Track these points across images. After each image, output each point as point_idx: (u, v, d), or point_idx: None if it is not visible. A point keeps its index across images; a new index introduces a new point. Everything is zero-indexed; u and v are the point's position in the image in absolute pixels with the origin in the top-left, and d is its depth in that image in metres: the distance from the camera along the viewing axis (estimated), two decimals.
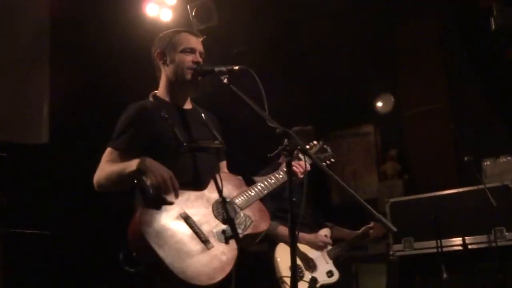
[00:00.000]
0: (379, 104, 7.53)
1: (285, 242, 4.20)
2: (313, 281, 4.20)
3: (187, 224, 2.65)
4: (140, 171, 2.68)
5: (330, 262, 4.43)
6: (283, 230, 4.19)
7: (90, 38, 5.90)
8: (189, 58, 3.00)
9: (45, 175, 5.42)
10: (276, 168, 3.24)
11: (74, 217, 5.51)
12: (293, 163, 3.04)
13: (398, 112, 7.32)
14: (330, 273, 4.35)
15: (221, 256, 2.64)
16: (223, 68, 2.79)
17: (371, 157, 7.42)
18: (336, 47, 6.92)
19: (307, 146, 3.38)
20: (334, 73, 7.14)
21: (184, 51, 3.02)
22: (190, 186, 2.79)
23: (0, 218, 4.35)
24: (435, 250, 5.16)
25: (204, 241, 2.64)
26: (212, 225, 2.73)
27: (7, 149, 4.69)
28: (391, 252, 5.68)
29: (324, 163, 3.58)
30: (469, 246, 5.17)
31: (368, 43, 7.19)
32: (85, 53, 5.89)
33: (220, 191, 2.82)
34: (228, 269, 2.64)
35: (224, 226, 2.74)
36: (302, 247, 4.31)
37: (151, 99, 3.05)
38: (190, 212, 2.69)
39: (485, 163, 6.04)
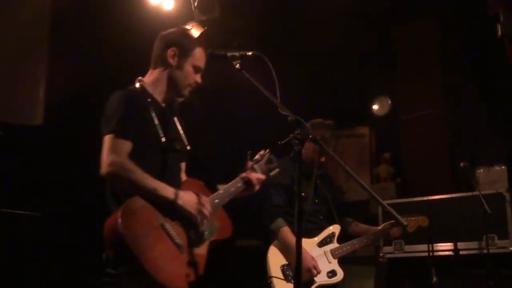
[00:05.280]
0: (376, 106, 7.52)
1: (282, 246, 4.13)
2: (308, 282, 4.03)
3: (163, 230, 2.70)
4: (175, 205, 2.75)
5: (334, 261, 4.21)
6: (286, 234, 4.11)
7: (90, 22, 5.84)
8: (194, 76, 3.08)
9: (38, 157, 5.36)
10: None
11: (66, 200, 5.45)
12: (248, 175, 3.18)
13: (395, 116, 7.32)
14: (331, 273, 4.15)
15: (193, 260, 2.79)
16: (236, 53, 2.76)
17: (364, 159, 7.41)
18: (335, 48, 6.91)
19: (257, 156, 3.34)
20: (332, 74, 7.14)
21: (195, 66, 3.07)
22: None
23: None
24: (425, 254, 5.18)
25: (178, 246, 2.72)
26: (184, 230, 2.82)
27: (1, 129, 4.62)
28: (381, 254, 5.68)
29: (268, 175, 3.42)
30: (460, 252, 5.19)
31: (367, 45, 7.19)
32: (85, 37, 5.82)
33: None
34: (200, 272, 2.79)
35: (195, 232, 2.85)
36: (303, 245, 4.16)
37: (137, 85, 3.03)
38: (166, 217, 2.76)
39: (479, 171, 6.05)
